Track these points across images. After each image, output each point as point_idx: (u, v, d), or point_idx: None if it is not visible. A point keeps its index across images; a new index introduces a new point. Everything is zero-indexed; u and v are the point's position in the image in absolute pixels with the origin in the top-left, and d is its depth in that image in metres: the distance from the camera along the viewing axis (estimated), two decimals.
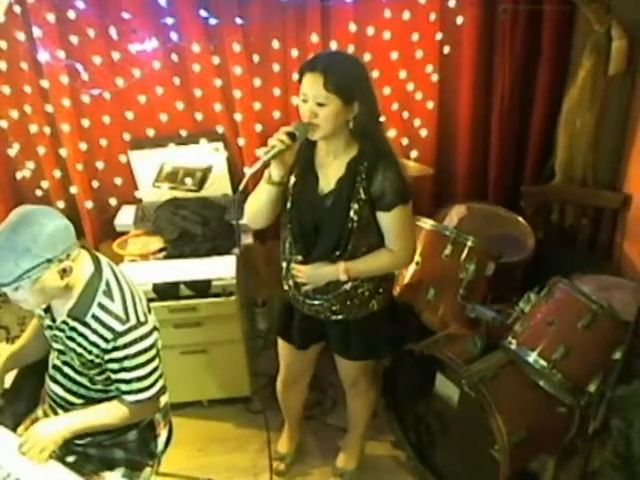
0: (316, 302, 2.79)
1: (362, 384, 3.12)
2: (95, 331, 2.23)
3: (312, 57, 2.52)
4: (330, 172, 2.60)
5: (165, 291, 3.38)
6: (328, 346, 3.01)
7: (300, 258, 2.69)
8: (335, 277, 2.65)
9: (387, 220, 2.58)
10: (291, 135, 2.45)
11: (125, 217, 3.89)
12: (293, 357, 3.11)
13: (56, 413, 2.51)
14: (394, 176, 2.52)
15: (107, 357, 2.25)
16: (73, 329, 2.27)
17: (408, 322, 3.30)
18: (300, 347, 3.02)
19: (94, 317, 2.23)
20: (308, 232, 2.65)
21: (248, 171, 2.47)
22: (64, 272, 2.15)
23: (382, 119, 2.64)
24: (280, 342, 3.10)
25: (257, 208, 2.68)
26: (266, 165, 2.52)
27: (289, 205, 2.66)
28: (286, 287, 2.85)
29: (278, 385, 3.28)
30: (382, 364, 3.24)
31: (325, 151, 2.60)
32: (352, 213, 2.55)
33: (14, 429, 2.51)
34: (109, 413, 2.37)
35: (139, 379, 2.30)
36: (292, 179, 2.64)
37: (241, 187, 2.48)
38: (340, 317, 2.80)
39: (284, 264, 2.80)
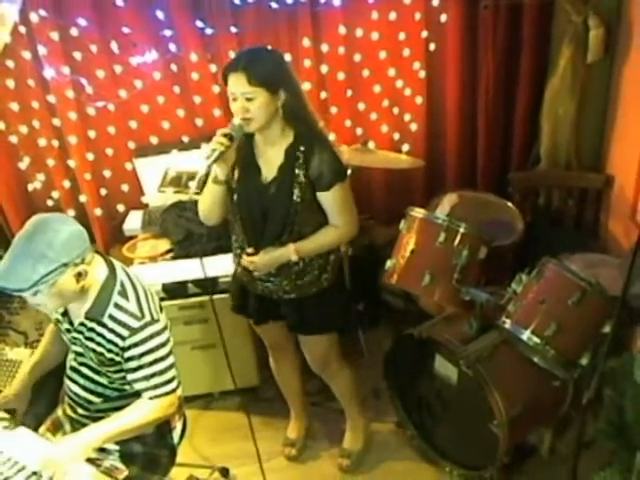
0: (268, 284, 2.81)
1: (332, 364, 3.13)
2: (112, 330, 2.23)
3: (232, 58, 2.56)
4: (270, 161, 2.64)
5: (174, 290, 3.38)
6: (286, 324, 3.02)
7: (251, 250, 2.71)
8: (287, 259, 2.68)
9: (328, 198, 2.63)
10: (228, 136, 2.50)
11: (133, 222, 3.88)
12: (261, 329, 3.14)
13: (76, 412, 2.51)
14: (330, 157, 2.58)
15: (126, 355, 2.25)
16: (91, 330, 2.27)
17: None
18: (258, 322, 3.05)
19: (111, 317, 2.23)
20: (257, 221, 2.68)
21: (197, 176, 2.53)
22: (79, 276, 2.15)
23: (309, 106, 2.65)
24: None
25: (208, 207, 2.74)
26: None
27: (235, 198, 2.69)
28: (239, 270, 2.88)
29: (270, 359, 3.30)
30: (383, 349, 3.23)
31: (263, 142, 2.64)
32: (295, 197, 2.60)
33: (36, 429, 2.51)
34: (132, 417, 2.28)
35: (158, 374, 2.28)
36: (235, 174, 2.67)
37: (194, 189, 2.60)
38: (292, 296, 2.83)
39: (237, 251, 2.82)
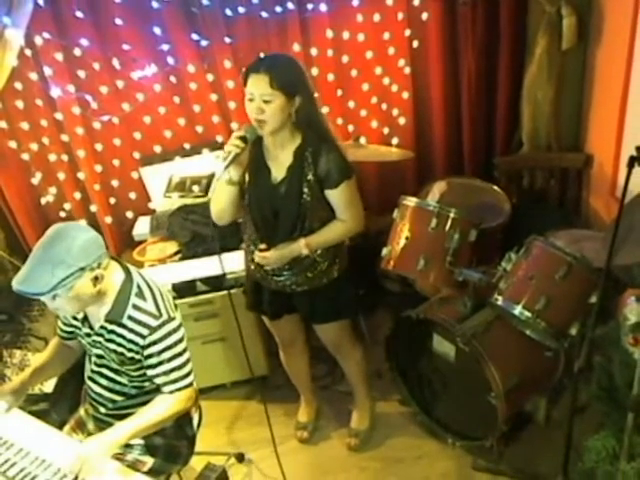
0: (281, 277, 2.79)
1: (345, 345, 3.13)
2: (132, 330, 2.24)
3: (255, 60, 2.53)
4: (280, 162, 2.63)
5: (184, 289, 3.37)
6: (299, 315, 3.03)
7: (264, 246, 2.70)
8: (298, 253, 2.67)
9: (335, 196, 2.62)
10: (243, 138, 2.49)
11: (142, 227, 3.89)
12: (274, 326, 3.13)
13: (98, 411, 2.51)
14: (336, 157, 2.57)
15: (145, 353, 2.26)
16: (111, 332, 2.27)
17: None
18: (273, 318, 3.04)
19: (130, 318, 2.24)
20: (268, 219, 2.67)
21: (215, 178, 2.57)
22: (96, 280, 2.16)
23: (323, 109, 2.70)
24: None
25: (222, 207, 2.70)
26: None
27: (247, 199, 2.68)
28: (253, 267, 2.86)
29: (280, 353, 3.29)
30: (384, 332, 3.22)
31: (272, 144, 2.61)
32: (304, 195, 2.59)
33: (60, 428, 2.51)
34: (154, 412, 2.28)
35: (177, 368, 2.29)
36: (246, 176, 2.66)
37: (210, 194, 2.70)
38: (305, 288, 2.82)
39: (250, 248, 2.80)
